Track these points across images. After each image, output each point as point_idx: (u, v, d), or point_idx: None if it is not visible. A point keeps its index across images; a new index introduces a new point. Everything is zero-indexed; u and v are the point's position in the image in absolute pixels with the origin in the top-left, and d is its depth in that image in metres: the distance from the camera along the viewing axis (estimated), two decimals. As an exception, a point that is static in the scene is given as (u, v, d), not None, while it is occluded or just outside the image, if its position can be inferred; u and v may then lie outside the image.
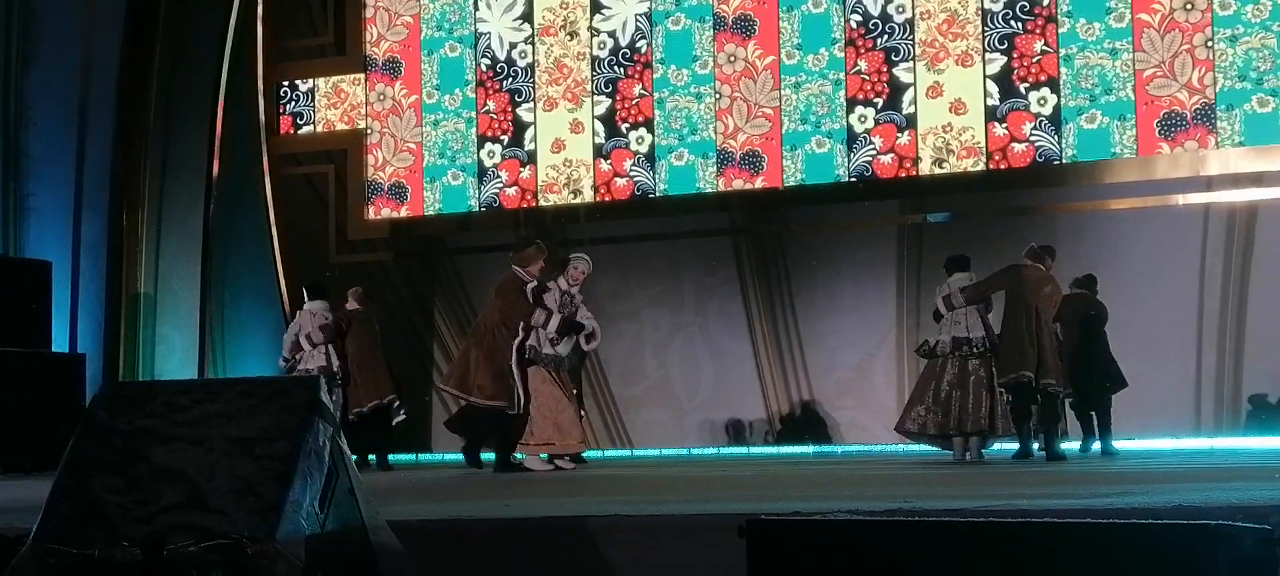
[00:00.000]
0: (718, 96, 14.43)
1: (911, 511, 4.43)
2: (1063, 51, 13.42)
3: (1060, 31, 13.43)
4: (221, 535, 3.68)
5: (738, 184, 14.36)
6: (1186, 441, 12.51)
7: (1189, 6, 13.07)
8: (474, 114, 15.27)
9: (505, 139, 15.18)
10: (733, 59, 14.43)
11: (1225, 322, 12.81)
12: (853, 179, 13.96)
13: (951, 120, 13.70)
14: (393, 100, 15.62)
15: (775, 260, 14.29)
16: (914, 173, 13.77)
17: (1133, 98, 13.17)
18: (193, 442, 3.92)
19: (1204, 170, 12.99)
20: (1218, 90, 12.94)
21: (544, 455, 10.54)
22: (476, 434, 11.12)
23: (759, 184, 14.28)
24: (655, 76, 14.66)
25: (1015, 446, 10.81)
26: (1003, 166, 13.54)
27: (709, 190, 14.41)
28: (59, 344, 14.52)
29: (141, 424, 3.98)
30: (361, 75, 15.75)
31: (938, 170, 13.69)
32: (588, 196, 14.81)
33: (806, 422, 14.05)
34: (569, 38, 14.97)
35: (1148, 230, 13.13)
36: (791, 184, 14.13)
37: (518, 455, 10.66)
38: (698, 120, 14.51)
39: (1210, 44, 12.99)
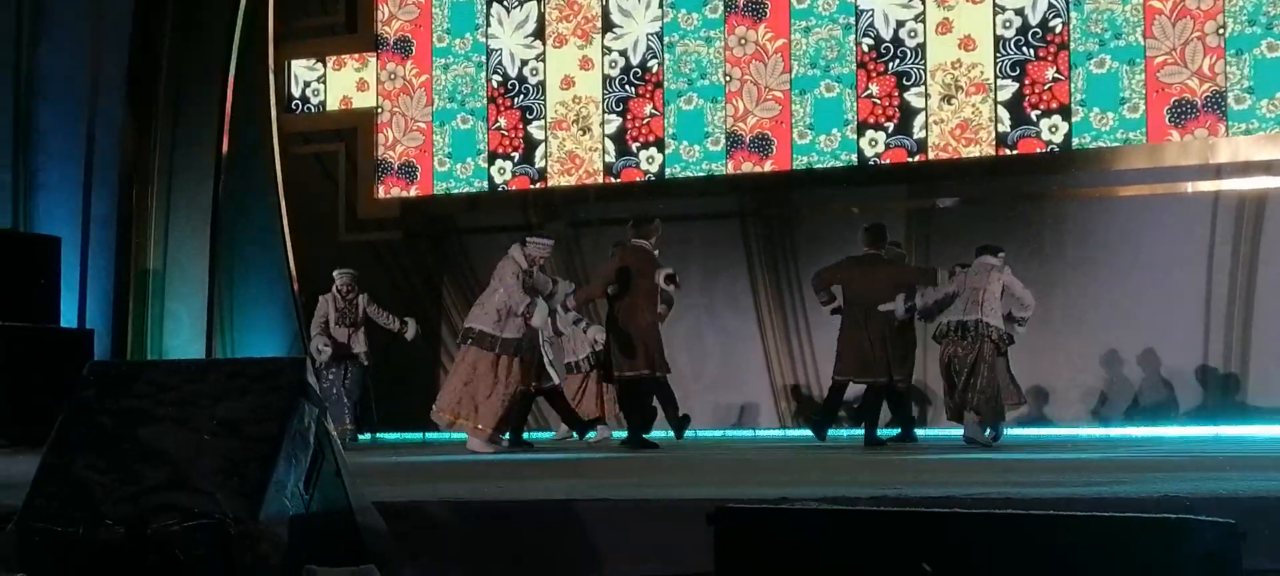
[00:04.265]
0: (728, 79, 14.42)
1: (896, 499, 4.46)
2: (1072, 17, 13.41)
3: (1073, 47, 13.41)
4: (205, 515, 3.72)
5: (747, 167, 14.35)
6: (1191, 429, 12.50)
7: (1200, -8, 13.05)
8: (484, 58, 15.29)
9: (516, 156, 15.18)
10: (743, 42, 14.42)
11: (1233, 311, 12.77)
12: (859, 164, 13.97)
13: (961, 56, 13.69)
14: (403, 80, 15.64)
15: (783, 244, 14.28)
16: (924, 157, 13.76)
17: (1142, 43, 13.13)
18: (179, 423, 3.95)
19: (1213, 158, 12.95)
20: (1228, 36, 12.90)
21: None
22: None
23: (768, 167, 14.28)
24: (666, 21, 14.67)
25: None
26: (1012, 150, 13.52)
27: (717, 164, 14.42)
28: (68, 319, 14.50)
29: (128, 404, 4.01)
30: (372, 54, 15.77)
31: (946, 105, 13.68)
32: (596, 133, 14.81)
33: (812, 406, 14.02)
34: None
35: (1156, 218, 13.10)
36: (800, 151, 14.11)
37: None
38: (707, 65, 14.53)
39: (1221, 32, 12.95)
